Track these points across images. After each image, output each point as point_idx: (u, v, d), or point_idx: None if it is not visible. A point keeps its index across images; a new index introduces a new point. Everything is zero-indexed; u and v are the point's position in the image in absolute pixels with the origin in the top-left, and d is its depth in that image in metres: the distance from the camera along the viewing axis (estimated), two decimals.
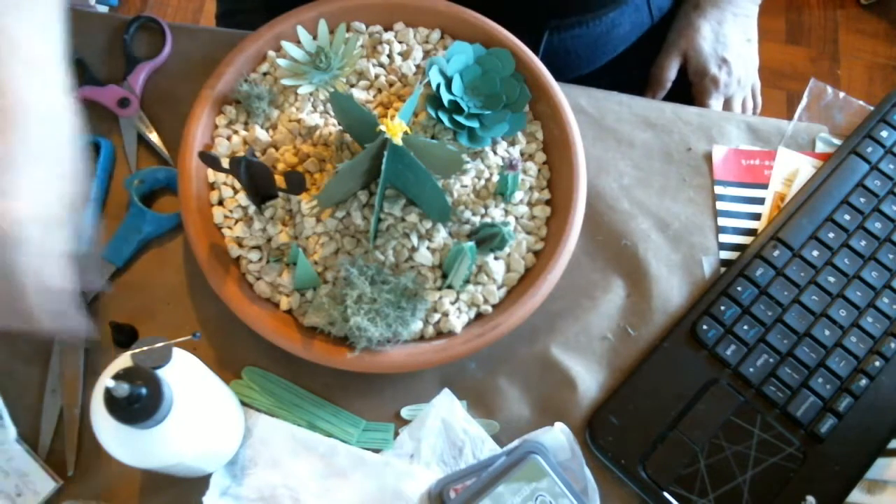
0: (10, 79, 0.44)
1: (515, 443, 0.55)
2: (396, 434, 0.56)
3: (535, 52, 0.62)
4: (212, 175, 0.58)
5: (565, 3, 0.72)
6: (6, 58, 0.44)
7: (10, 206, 0.41)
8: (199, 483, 0.52)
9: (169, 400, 0.41)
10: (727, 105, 0.82)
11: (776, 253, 0.62)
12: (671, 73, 0.81)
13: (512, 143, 0.61)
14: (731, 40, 0.80)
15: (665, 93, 0.81)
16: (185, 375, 0.44)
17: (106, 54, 0.65)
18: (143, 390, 0.39)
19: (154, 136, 0.62)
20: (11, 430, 0.53)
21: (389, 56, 0.63)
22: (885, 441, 0.58)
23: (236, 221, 0.57)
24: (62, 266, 0.45)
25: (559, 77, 0.63)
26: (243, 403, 0.55)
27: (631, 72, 0.82)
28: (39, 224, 0.42)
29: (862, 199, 0.64)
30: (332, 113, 0.61)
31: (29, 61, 0.45)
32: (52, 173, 0.44)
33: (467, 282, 0.57)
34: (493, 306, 0.57)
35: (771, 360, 0.59)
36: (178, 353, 0.44)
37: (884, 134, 0.66)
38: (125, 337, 0.56)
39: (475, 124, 0.59)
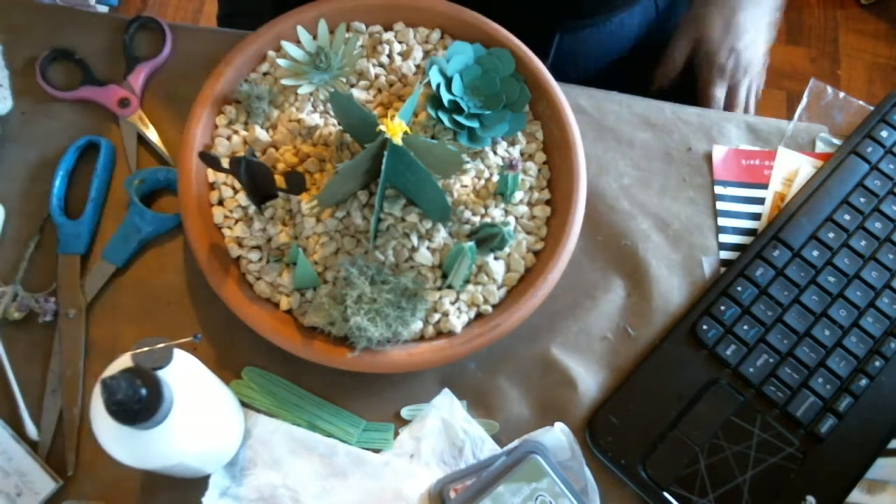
0: None
1: (515, 443, 0.55)
2: (396, 434, 0.56)
3: (546, 54, 0.62)
4: (212, 175, 0.58)
5: (579, 7, 0.73)
6: None
7: None
8: (199, 483, 0.52)
9: (169, 401, 0.41)
10: (731, 93, 0.82)
11: (776, 253, 0.62)
12: (681, 59, 0.80)
13: (512, 143, 0.61)
14: (743, 30, 0.79)
15: (674, 75, 0.81)
16: (185, 376, 0.44)
17: (106, 54, 0.65)
18: (144, 391, 0.39)
19: (154, 136, 0.62)
20: (32, 430, 0.54)
21: (389, 56, 0.63)
22: (885, 441, 0.58)
23: (236, 221, 0.57)
24: None
25: (566, 79, 0.62)
26: (243, 403, 0.55)
27: (635, 70, 0.82)
28: None
29: (862, 199, 0.64)
30: (332, 113, 0.61)
31: None
32: None
33: (467, 282, 0.57)
34: (493, 306, 0.57)
35: (771, 360, 0.59)
36: (178, 353, 0.44)
37: (884, 134, 0.66)
38: None
39: (475, 124, 0.59)
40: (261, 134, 0.59)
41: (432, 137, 0.60)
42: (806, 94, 0.71)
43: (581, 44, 0.77)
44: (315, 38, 0.61)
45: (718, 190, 0.65)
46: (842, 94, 0.70)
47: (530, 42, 0.63)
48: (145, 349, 0.41)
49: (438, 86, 0.59)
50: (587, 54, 0.78)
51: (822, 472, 0.56)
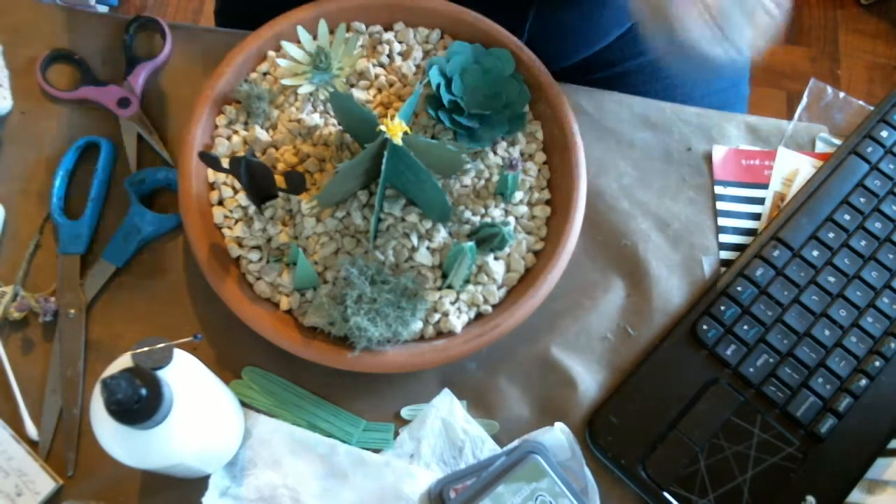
0: None
1: (515, 443, 0.55)
2: (396, 434, 0.56)
3: (522, 31, 0.59)
4: (212, 175, 0.58)
5: None
6: None
7: None
8: (199, 483, 0.52)
9: (169, 401, 0.41)
10: None
11: (776, 253, 0.62)
12: None
13: (512, 143, 0.61)
14: None
15: None
16: (186, 376, 0.44)
17: (106, 54, 0.65)
18: (144, 391, 0.39)
19: (154, 137, 0.62)
20: (32, 430, 0.54)
21: (389, 56, 0.63)
22: (885, 441, 0.58)
23: (236, 221, 0.57)
24: None
25: (557, 60, 0.58)
26: (243, 403, 0.55)
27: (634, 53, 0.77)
28: None
29: (862, 199, 0.64)
30: (332, 113, 0.61)
31: None
32: None
33: (467, 282, 0.57)
34: (493, 306, 0.57)
35: (771, 360, 0.59)
36: (178, 353, 0.44)
37: (884, 134, 0.66)
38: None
39: (475, 124, 0.59)
40: (261, 134, 0.59)
41: (432, 137, 0.60)
42: (806, 94, 0.71)
43: (562, 21, 0.71)
44: (315, 38, 0.61)
45: (718, 190, 0.65)
46: (842, 94, 0.70)
47: (503, 20, 0.61)
48: (145, 349, 0.41)
49: (438, 86, 0.59)
50: (576, 32, 0.73)
51: (822, 472, 0.56)
